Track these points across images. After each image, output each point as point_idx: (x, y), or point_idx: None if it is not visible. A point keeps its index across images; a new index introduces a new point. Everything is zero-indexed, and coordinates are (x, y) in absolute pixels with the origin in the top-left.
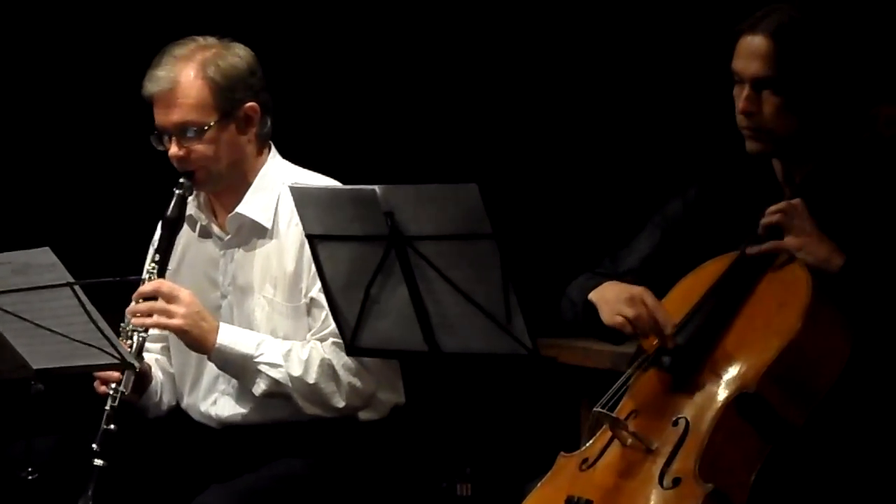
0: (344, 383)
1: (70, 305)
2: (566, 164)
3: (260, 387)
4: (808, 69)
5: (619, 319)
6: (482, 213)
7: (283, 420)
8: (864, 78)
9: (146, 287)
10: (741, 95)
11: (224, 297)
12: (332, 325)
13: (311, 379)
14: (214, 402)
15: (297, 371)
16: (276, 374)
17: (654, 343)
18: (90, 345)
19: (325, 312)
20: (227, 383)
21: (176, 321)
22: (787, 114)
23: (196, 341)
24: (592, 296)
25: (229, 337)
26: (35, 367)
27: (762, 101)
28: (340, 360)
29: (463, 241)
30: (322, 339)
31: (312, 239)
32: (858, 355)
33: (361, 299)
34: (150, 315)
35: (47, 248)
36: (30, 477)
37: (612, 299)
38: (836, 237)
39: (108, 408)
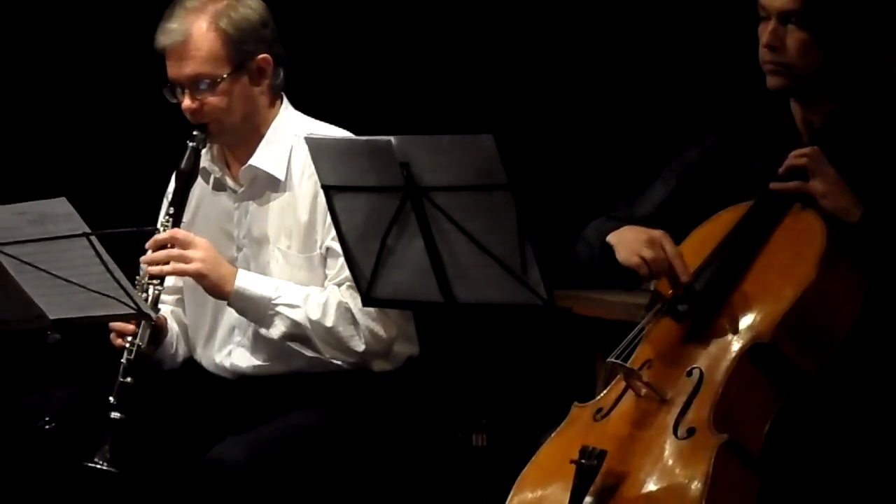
0: (362, 327)
1: (86, 255)
2: (582, 115)
3: (279, 328)
4: (835, 5)
5: (637, 260)
6: (498, 163)
7: (298, 371)
8: (886, 21)
9: (161, 235)
10: (766, 30)
11: (240, 249)
12: (348, 271)
13: (329, 322)
14: (229, 354)
15: (315, 314)
16: (295, 315)
17: (669, 291)
18: (106, 295)
19: (340, 260)
20: (242, 335)
21: (194, 266)
22: (811, 49)
23: (214, 286)
24: (611, 237)
25: (247, 281)
26: (52, 317)
27: (787, 35)
28: (358, 304)
29: (478, 192)
30: (339, 284)
31: (328, 190)
32: (872, 305)
33: (377, 250)
34: (166, 262)
35: (63, 198)
36: (47, 427)
37: (630, 240)
38: (853, 184)
39: (124, 360)
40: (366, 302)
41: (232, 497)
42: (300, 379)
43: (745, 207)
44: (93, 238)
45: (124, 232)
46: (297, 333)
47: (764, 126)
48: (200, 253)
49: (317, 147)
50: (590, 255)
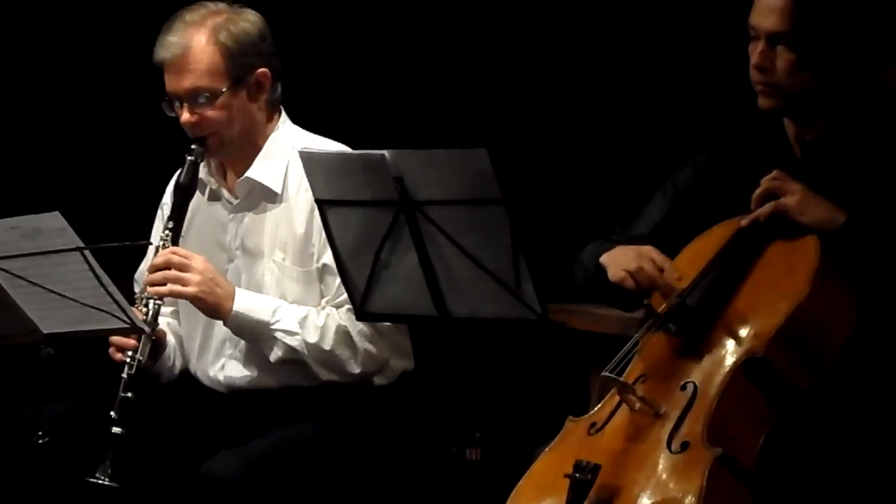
0: (360, 349)
1: (80, 270)
2: (576, 130)
3: (276, 353)
4: (824, 26)
5: (622, 274)
6: (492, 177)
7: (292, 385)
8: (875, 39)
9: (158, 258)
10: (756, 51)
11: (231, 260)
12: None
13: (328, 346)
14: (222, 367)
15: (313, 338)
16: (292, 341)
17: (663, 305)
18: (100, 309)
19: (338, 279)
20: (234, 347)
21: (190, 289)
22: (801, 70)
23: (211, 308)
24: (603, 258)
25: (245, 303)
26: (45, 331)
27: (776, 57)
28: (356, 327)
29: (472, 206)
30: (338, 306)
31: (322, 204)
32: (866, 319)
33: (371, 264)
34: (164, 284)
35: (57, 212)
36: (40, 441)
37: (619, 258)
38: (844, 198)
39: (125, 375)
40: (359, 316)
41: None
42: (293, 393)
43: (738, 222)
44: (86, 252)
45: (118, 246)
46: (293, 358)
47: (756, 142)
48: (197, 277)
49: (310, 161)
50: (585, 277)
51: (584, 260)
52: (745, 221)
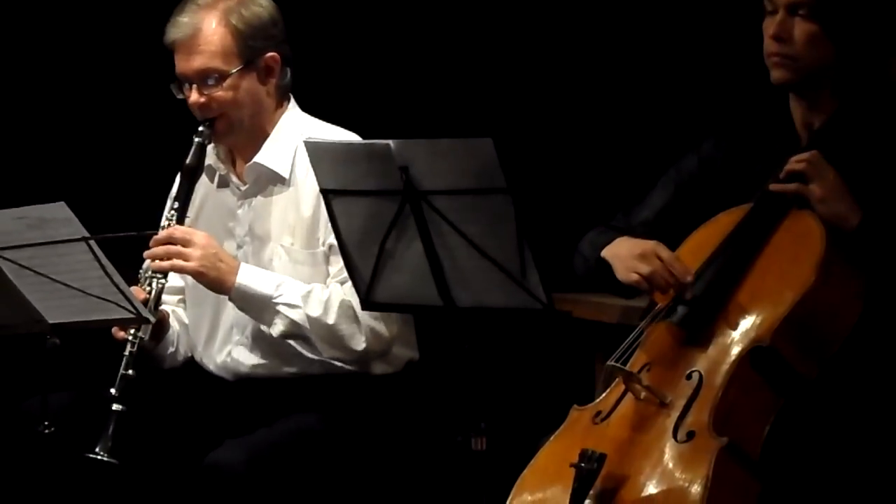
0: (364, 325)
1: (85, 260)
2: (581, 119)
3: (278, 327)
4: None
5: (635, 277)
6: (497, 167)
7: (298, 373)
8: (890, 21)
9: (160, 234)
10: (773, 21)
11: (240, 246)
12: None
13: (331, 320)
14: (229, 354)
15: (316, 312)
16: (295, 314)
17: (668, 296)
18: (106, 299)
19: None
20: (241, 333)
21: (192, 264)
22: (818, 42)
23: (214, 282)
24: (605, 253)
25: (248, 277)
26: (51, 321)
27: (794, 27)
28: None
29: (478, 196)
30: (342, 282)
31: (327, 194)
32: (871, 308)
33: (376, 254)
34: (166, 259)
35: (62, 202)
36: (46, 431)
37: (625, 256)
38: (851, 186)
39: (126, 353)
40: (365, 306)
41: (230, 501)
42: (299, 382)
43: (744, 210)
44: (92, 242)
45: (124, 236)
46: (296, 333)
47: (762, 129)
48: (199, 252)
49: (315, 151)
50: (586, 269)
51: (585, 251)
52: (773, 187)
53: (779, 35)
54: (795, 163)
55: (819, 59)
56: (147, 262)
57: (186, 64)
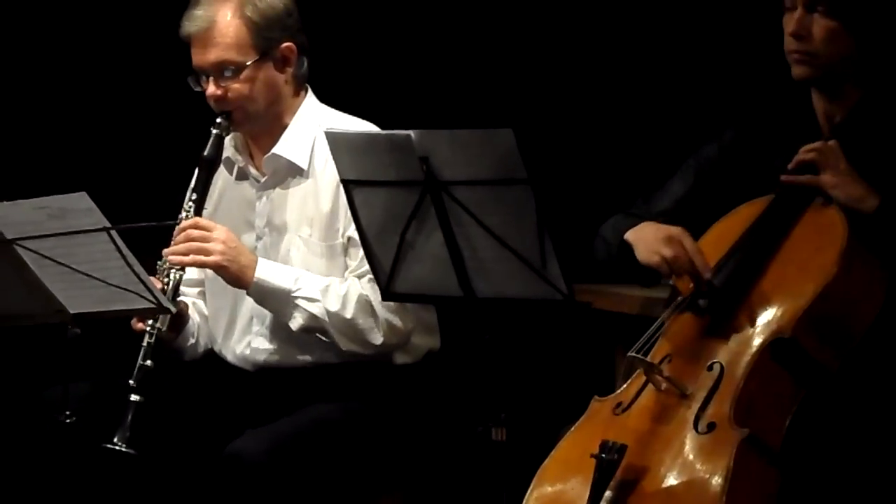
0: (381, 319)
1: (107, 250)
2: (601, 109)
3: (297, 321)
4: None
5: (657, 259)
6: (517, 157)
7: (318, 363)
8: None
9: (182, 226)
10: (792, 18)
11: (259, 238)
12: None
13: (349, 314)
14: (249, 344)
15: (334, 306)
16: (314, 308)
17: (689, 286)
18: (126, 289)
19: (362, 251)
20: (261, 324)
21: (213, 258)
22: (837, 37)
23: (234, 277)
24: (629, 235)
25: (267, 272)
26: (72, 311)
27: (813, 24)
28: (378, 297)
29: (498, 186)
30: (360, 276)
31: (347, 184)
32: (892, 300)
33: (397, 244)
34: (187, 254)
35: (84, 192)
36: (67, 421)
37: (649, 238)
38: (873, 177)
39: (144, 343)
40: (385, 296)
41: (251, 491)
42: (320, 372)
43: (765, 202)
44: (113, 232)
45: (144, 226)
46: (315, 326)
47: (784, 120)
48: (220, 246)
49: (336, 141)
50: (608, 252)
51: (607, 235)
52: (785, 179)
53: (798, 32)
54: (805, 153)
55: (839, 54)
56: (165, 254)
57: (203, 57)
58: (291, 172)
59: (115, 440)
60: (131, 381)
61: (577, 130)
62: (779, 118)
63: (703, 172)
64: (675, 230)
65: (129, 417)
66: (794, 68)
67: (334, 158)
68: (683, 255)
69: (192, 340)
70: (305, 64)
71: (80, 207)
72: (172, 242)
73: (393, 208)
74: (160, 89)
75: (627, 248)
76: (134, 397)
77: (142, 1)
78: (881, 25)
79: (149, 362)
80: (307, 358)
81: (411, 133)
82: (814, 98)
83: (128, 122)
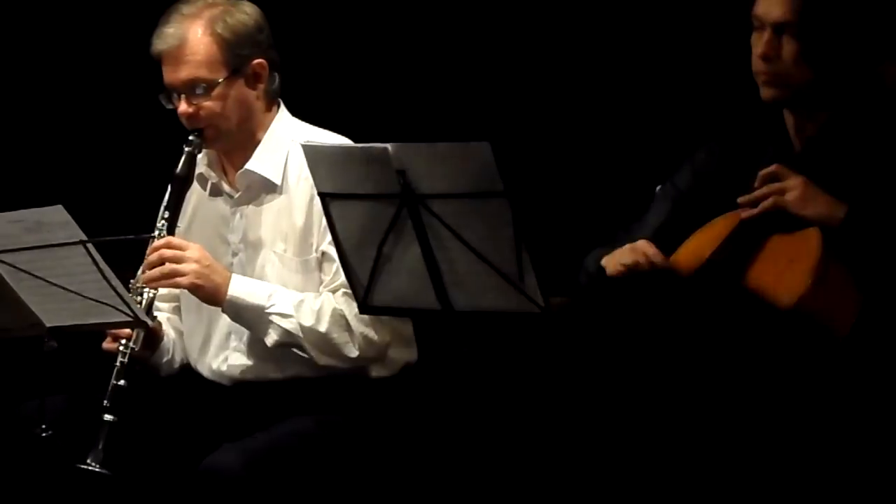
0: (357, 333)
1: (83, 263)
2: (578, 123)
3: (272, 337)
4: (830, 16)
5: (619, 268)
6: (494, 171)
7: (295, 377)
8: (877, 32)
9: (152, 253)
10: (760, 41)
11: (235, 254)
12: (344, 277)
13: (323, 328)
14: (226, 360)
15: (308, 321)
16: (288, 324)
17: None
18: (103, 302)
19: (335, 265)
20: (238, 340)
21: (187, 279)
22: (805, 61)
23: (209, 295)
24: (603, 261)
25: (241, 288)
26: (48, 324)
27: (781, 47)
28: (352, 311)
29: (475, 200)
30: (334, 291)
31: (325, 197)
32: (866, 312)
33: (374, 257)
34: (160, 276)
35: (60, 205)
36: (43, 434)
37: (616, 255)
38: (845, 191)
39: (117, 363)
40: (363, 309)
41: None
42: (296, 385)
43: (739, 215)
44: (89, 246)
45: (120, 239)
46: (290, 342)
47: (756, 137)
48: (194, 265)
49: (313, 154)
50: (588, 279)
51: (589, 266)
52: (745, 214)
53: (766, 54)
54: (762, 179)
55: (807, 75)
56: (139, 274)
57: (174, 75)
58: (265, 188)
59: (89, 461)
60: (105, 402)
61: (553, 143)
62: (751, 134)
63: (680, 197)
64: (638, 242)
65: (103, 438)
66: (763, 90)
67: (311, 171)
68: (644, 260)
69: (167, 357)
70: (277, 79)
71: (56, 221)
72: (145, 262)
73: (370, 221)
74: (135, 103)
75: (604, 273)
76: (108, 417)
77: (116, 17)
78: (848, 47)
79: (122, 382)
80: (284, 372)
81: (388, 146)
82: (785, 115)
83: (103, 136)
